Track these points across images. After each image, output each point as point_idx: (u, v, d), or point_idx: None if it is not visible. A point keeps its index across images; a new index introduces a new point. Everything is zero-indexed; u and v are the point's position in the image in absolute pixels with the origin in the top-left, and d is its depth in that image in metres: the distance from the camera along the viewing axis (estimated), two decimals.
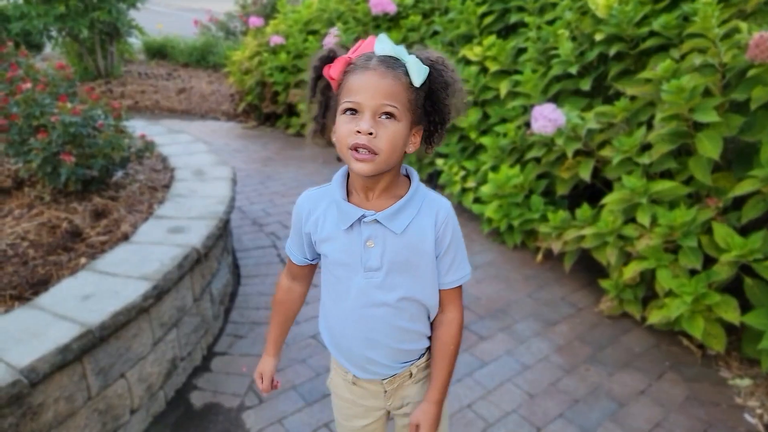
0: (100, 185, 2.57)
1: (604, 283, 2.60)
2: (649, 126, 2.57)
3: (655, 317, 2.35)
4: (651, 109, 2.58)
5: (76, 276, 1.84)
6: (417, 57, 0.95)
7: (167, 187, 2.74)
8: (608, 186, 2.83)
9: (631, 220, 2.54)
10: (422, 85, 0.95)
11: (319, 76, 1.01)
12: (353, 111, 0.93)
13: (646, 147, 2.54)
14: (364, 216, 1.00)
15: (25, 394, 1.38)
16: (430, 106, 0.98)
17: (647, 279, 2.47)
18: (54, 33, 6.56)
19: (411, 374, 1.15)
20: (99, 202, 2.43)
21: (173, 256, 1.99)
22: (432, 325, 1.13)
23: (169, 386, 1.98)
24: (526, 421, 1.97)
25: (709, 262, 2.30)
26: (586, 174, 2.72)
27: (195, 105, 6.39)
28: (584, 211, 2.71)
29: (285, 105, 5.59)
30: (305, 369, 2.19)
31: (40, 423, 1.44)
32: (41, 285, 1.80)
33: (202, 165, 3.05)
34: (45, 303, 1.67)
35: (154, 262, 1.94)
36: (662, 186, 2.41)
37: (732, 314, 2.15)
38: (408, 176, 1.06)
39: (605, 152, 2.67)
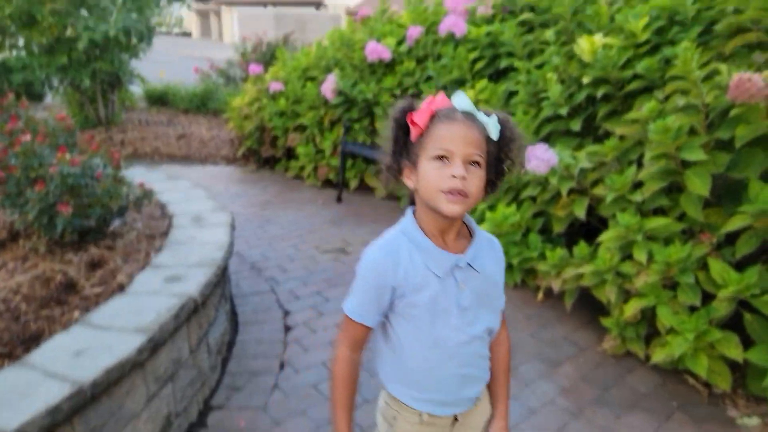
0: (97, 235, 2.58)
1: (606, 322, 2.58)
2: (639, 164, 2.60)
3: (658, 356, 2.32)
4: (640, 148, 2.62)
5: (68, 331, 1.83)
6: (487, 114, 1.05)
7: (165, 234, 2.75)
8: (604, 223, 2.84)
9: (628, 256, 2.54)
10: (497, 140, 1.06)
11: (399, 126, 1.07)
12: (444, 158, 1.00)
13: (638, 185, 2.57)
14: (458, 260, 1.08)
15: None
16: (496, 158, 1.08)
17: (648, 316, 2.45)
18: (56, 83, 6.72)
19: (479, 399, 1.23)
20: (95, 253, 2.44)
21: (169, 307, 1.98)
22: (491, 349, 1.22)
23: None
24: None
25: (708, 297, 2.28)
26: (581, 212, 2.73)
27: (194, 150, 6.48)
28: (581, 249, 2.71)
29: (284, 148, 5.67)
30: (306, 421, 2.14)
31: None
32: (33, 341, 1.78)
33: (201, 211, 3.07)
34: (35, 360, 1.65)
35: (150, 313, 1.92)
36: (656, 223, 2.42)
37: (734, 351, 2.12)
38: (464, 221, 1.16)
39: (598, 190, 2.69)
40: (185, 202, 3.22)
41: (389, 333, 1.14)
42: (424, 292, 1.07)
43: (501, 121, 1.05)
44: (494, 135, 1.04)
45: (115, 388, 1.66)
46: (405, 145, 1.07)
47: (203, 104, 8.44)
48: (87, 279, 2.25)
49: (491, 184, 1.09)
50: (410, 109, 1.06)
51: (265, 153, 5.84)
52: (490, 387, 1.23)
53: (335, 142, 5.07)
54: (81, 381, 1.53)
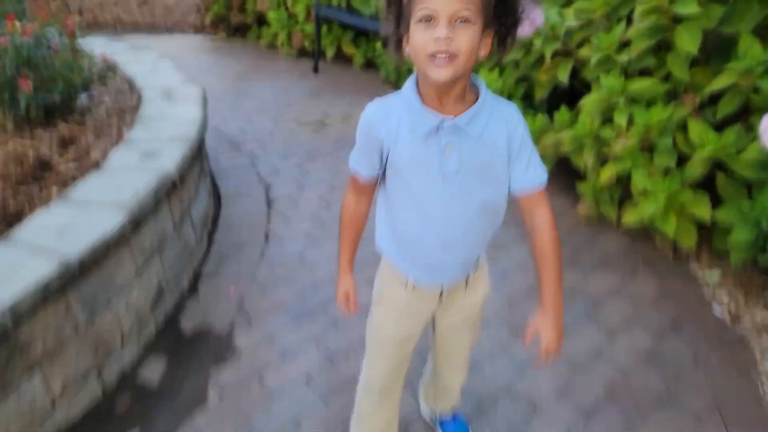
0: (64, 111, 2.47)
1: (581, 187, 2.63)
2: (629, 21, 2.47)
3: (630, 217, 2.40)
4: (630, 3, 2.46)
5: (49, 209, 1.82)
6: None
7: (136, 109, 2.64)
8: (588, 88, 2.77)
9: (608, 121, 2.52)
10: None
11: None
12: (428, 19, 0.92)
13: (625, 44, 2.46)
14: (443, 121, 1.01)
15: (11, 331, 1.41)
16: (500, 7, 0.98)
17: (623, 181, 2.50)
18: None
19: (467, 282, 1.23)
20: (65, 129, 2.35)
21: (147, 183, 1.96)
22: (530, 235, 1.14)
23: (157, 313, 2.03)
24: (505, 324, 2.07)
25: (683, 161, 2.32)
26: (564, 76, 2.65)
27: (159, 18, 6.02)
28: (562, 114, 2.68)
29: (254, 14, 5.28)
30: (292, 287, 2.25)
31: (30, 358, 1.49)
32: (15, 218, 1.78)
33: (171, 84, 2.93)
34: (20, 238, 1.66)
35: (128, 190, 1.91)
36: (640, 84, 2.37)
37: (704, 210, 2.20)
38: (474, 84, 1.07)
39: (584, 52, 2.59)
40: (153, 75, 3.05)
41: (385, 192, 1.16)
42: (404, 150, 1.05)
43: None
44: None
45: (103, 262, 1.70)
46: (400, 11, 0.99)
47: None
48: (60, 156, 2.19)
49: (500, 40, 1.01)
50: None
51: (234, 19, 5.45)
52: (539, 280, 1.13)
53: (308, 6, 4.71)
54: (68, 257, 1.56)
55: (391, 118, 1.06)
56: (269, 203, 2.82)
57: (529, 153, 1.08)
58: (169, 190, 2.07)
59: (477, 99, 1.05)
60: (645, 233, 2.52)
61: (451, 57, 0.92)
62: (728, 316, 2.11)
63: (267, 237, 2.55)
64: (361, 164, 1.15)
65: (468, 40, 0.93)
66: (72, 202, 1.86)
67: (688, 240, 2.28)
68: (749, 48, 2.06)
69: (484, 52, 0.99)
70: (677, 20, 2.27)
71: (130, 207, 1.81)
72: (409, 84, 1.06)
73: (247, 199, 2.85)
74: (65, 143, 2.28)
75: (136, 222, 1.84)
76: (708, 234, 2.40)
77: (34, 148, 2.21)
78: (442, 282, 1.20)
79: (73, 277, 1.57)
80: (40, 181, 2.01)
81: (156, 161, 2.12)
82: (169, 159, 2.14)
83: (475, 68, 1.26)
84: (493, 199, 1.11)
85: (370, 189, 1.20)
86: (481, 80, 1.07)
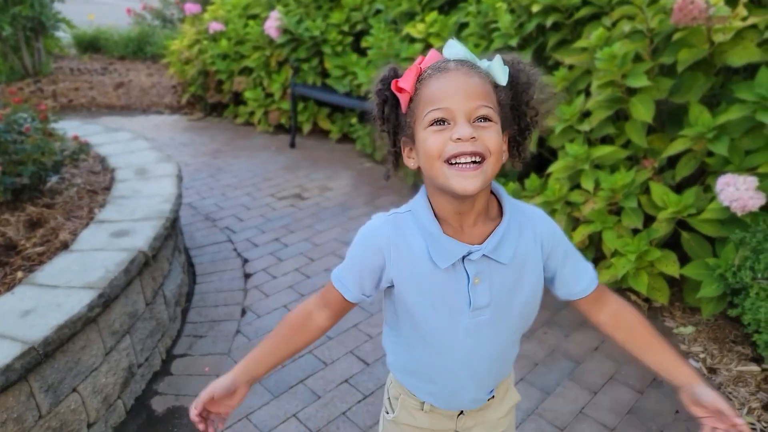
0: (33, 193, 2.45)
1: None
2: (587, 93, 2.64)
3: (604, 277, 2.44)
4: (588, 77, 2.64)
5: (13, 291, 1.76)
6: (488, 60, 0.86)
7: (108, 189, 2.64)
8: (554, 155, 2.90)
9: (576, 186, 2.62)
10: (507, 85, 0.85)
11: (384, 100, 0.87)
12: (441, 121, 0.80)
13: (586, 114, 2.61)
14: (470, 252, 0.86)
15: None
16: (514, 111, 0.87)
17: (595, 241, 2.56)
18: None
19: (493, 396, 1.06)
20: (33, 211, 2.32)
21: (119, 262, 1.92)
22: (608, 326, 1.00)
23: (127, 395, 1.93)
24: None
25: (649, 220, 2.40)
26: (532, 145, 2.77)
27: (135, 99, 6.14)
28: (532, 180, 2.77)
29: (231, 93, 5.44)
30: None
31: None
32: None
33: (145, 163, 2.94)
34: None
35: (98, 270, 1.87)
36: (603, 151, 2.49)
37: (672, 268, 2.26)
38: (493, 192, 0.92)
39: (549, 122, 2.72)
40: (127, 155, 3.08)
41: (394, 314, 0.98)
42: (416, 285, 0.89)
43: (508, 63, 0.85)
44: (502, 79, 0.83)
45: (69, 344, 1.63)
46: (398, 121, 0.88)
47: (140, 49, 7.93)
48: (28, 239, 2.15)
49: (515, 144, 0.90)
50: (394, 76, 0.87)
51: (211, 99, 5.60)
52: (651, 361, 0.94)
53: (284, 85, 4.90)
54: (32, 340, 1.49)
55: (402, 242, 0.89)
56: (245, 278, 2.78)
57: (575, 257, 0.96)
58: (141, 267, 2.03)
59: (499, 211, 0.91)
60: (620, 291, 2.55)
61: (478, 160, 0.79)
62: (705, 368, 2.11)
63: (243, 312, 2.50)
64: (346, 284, 0.95)
65: (495, 137, 0.79)
66: (37, 284, 1.80)
67: (662, 296, 2.31)
68: (699, 116, 2.20)
69: (504, 157, 0.87)
70: (631, 92, 2.43)
71: (99, 286, 1.77)
72: (420, 201, 0.90)
73: (223, 274, 2.81)
74: (33, 225, 2.24)
75: (106, 301, 1.78)
76: (680, 289, 2.45)
77: (0, 232, 2.16)
78: (464, 407, 1.04)
79: (37, 360, 1.50)
80: (5, 266, 1.95)
81: (128, 239, 2.09)
82: (142, 236, 2.11)
83: None
84: (528, 317, 0.98)
85: (340, 311, 0.99)
86: (503, 189, 0.92)
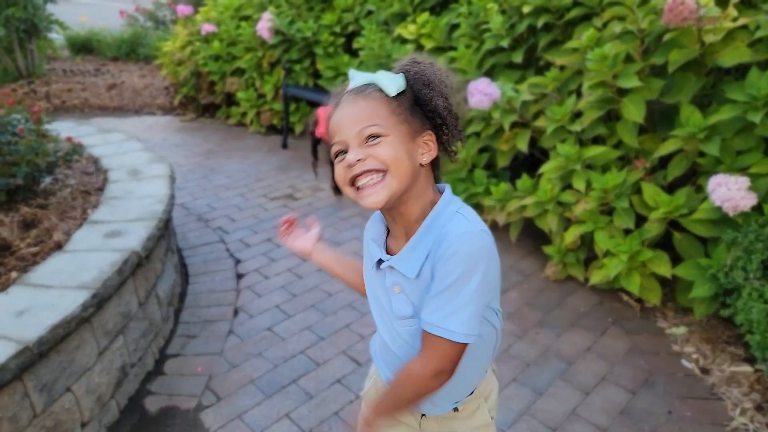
0: (27, 194, 2.44)
1: (548, 249, 2.70)
2: (579, 94, 2.66)
3: (596, 277, 2.46)
4: (579, 78, 2.66)
5: (7, 292, 1.75)
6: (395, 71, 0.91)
7: (101, 190, 2.63)
8: (546, 155, 2.92)
9: (568, 186, 2.64)
10: (404, 92, 0.89)
11: (317, 141, 1.00)
12: (342, 152, 0.88)
13: (577, 115, 2.63)
14: (381, 259, 0.94)
15: None
16: (426, 110, 0.91)
17: (587, 241, 2.58)
18: None
19: (456, 410, 1.06)
20: (27, 212, 2.31)
21: (112, 262, 1.92)
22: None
23: (120, 394, 1.93)
24: None
25: (641, 220, 2.42)
26: (523, 145, 2.79)
27: (128, 101, 6.11)
28: (524, 181, 2.79)
29: (223, 94, 5.43)
30: (262, 362, 2.18)
31: None
32: None
33: (138, 164, 2.93)
34: None
35: (91, 270, 1.86)
36: (594, 151, 2.51)
37: (664, 268, 2.28)
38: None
39: (540, 122, 2.74)
40: (120, 156, 3.07)
41: None
42: (368, 279, 1.03)
43: (404, 68, 0.90)
44: (390, 89, 0.87)
45: (62, 344, 1.63)
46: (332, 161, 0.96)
47: (133, 50, 7.89)
48: (22, 239, 2.14)
49: (440, 143, 0.93)
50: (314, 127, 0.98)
51: (203, 100, 5.58)
52: None
53: (276, 86, 4.89)
54: (26, 340, 1.49)
55: (367, 237, 1.02)
56: (238, 278, 2.77)
57: (444, 294, 0.85)
58: (134, 268, 2.03)
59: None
60: (612, 291, 2.57)
61: (377, 173, 0.85)
62: (697, 369, 2.13)
63: (236, 312, 2.49)
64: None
65: (387, 150, 0.84)
66: (31, 284, 1.80)
67: (653, 296, 2.33)
68: (690, 116, 2.22)
69: (426, 158, 0.90)
70: (622, 92, 2.45)
71: (93, 287, 1.76)
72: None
73: (216, 274, 2.80)
74: (27, 226, 2.23)
75: (99, 302, 1.78)
76: (672, 289, 2.47)
77: None
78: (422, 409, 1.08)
79: (31, 360, 1.50)
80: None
81: (121, 240, 2.09)
82: (135, 237, 2.11)
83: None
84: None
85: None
86: (447, 195, 0.92)
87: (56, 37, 7.52)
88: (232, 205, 3.63)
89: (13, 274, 1.89)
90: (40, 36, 6.70)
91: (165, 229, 2.43)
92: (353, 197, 0.89)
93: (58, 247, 2.07)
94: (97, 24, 8.74)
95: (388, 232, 0.99)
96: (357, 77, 0.91)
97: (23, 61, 6.45)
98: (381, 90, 0.88)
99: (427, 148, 0.90)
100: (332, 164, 0.93)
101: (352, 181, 0.87)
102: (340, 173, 0.88)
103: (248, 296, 2.62)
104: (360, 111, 0.86)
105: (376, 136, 0.85)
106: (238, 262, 2.92)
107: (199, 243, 3.13)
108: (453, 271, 0.84)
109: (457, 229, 0.86)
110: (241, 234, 3.22)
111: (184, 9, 5.75)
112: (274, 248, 3.05)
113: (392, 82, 0.88)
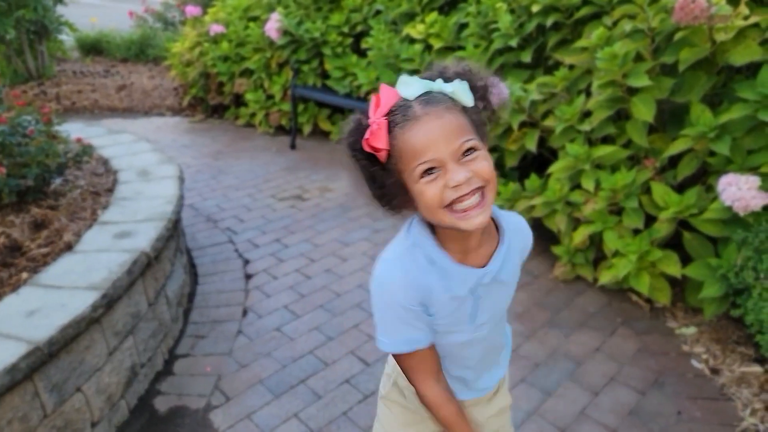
0: (38, 195, 2.46)
1: (557, 250, 2.69)
2: (588, 93, 2.64)
3: (605, 277, 2.44)
4: (589, 77, 2.65)
5: (18, 292, 1.77)
6: (444, 79, 0.85)
7: (111, 190, 2.65)
8: (555, 155, 2.90)
9: (577, 186, 2.62)
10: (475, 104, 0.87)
11: (362, 159, 0.88)
12: (431, 170, 0.80)
13: (586, 114, 2.61)
14: (481, 277, 0.90)
15: None
16: (485, 115, 0.90)
17: (596, 242, 2.56)
18: None
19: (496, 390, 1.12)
20: (37, 213, 2.33)
21: (122, 262, 1.94)
22: None
23: (130, 394, 1.94)
24: None
25: (650, 220, 2.40)
26: (531, 145, 2.77)
27: (137, 102, 6.15)
28: (533, 181, 2.78)
29: (232, 95, 5.45)
30: (271, 362, 2.18)
31: None
32: None
33: (147, 165, 2.95)
34: None
35: (101, 270, 1.88)
36: (603, 151, 2.49)
37: (674, 268, 2.26)
38: None
39: (549, 122, 2.73)
40: (129, 156, 3.09)
41: None
42: (442, 317, 0.93)
43: (464, 75, 0.86)
44: (469, 101, 0.84)
45: (72, 344, 1.64)
46: (383, 172, 0.86)
47: (142, 51, 7.94)
48: (32, 240, 2.16)
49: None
50: (360, 130, 0.86)
51: (212, 101, 5.61)
52: None
53: (285, 86, 4.91)
54: (36, 340, 1.50)
55: (420, 278, 0.89)
56: (247, 278, 2.78)
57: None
58: (143, 268, 2.04)
59: (494, 226, 0.94)
60: (621, 291, 2.55)
61: (479, 194, 0.81)
62: (707, 369, 2.11)
63: (245, 312, 2.50)
64: (419, 337, 0.93)
65: (486, 164, 0.81)
66: (42, 285, 1.82)
67: (663, 297, 2.31)
68: (701, 115, 2.20)
69: None
70: (632, 92, 2.43)
71: (103, 287, 1.78)
72: (423, 233, 0.90)
73: (225, 275, 2.81)
74: (38, 227, 2.25)
75: (109, 302, 1.79)
76: (682, 289, 2.45)
77: (5, 233, 2.17)
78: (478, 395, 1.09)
79: (42, 360, 1.51)
80: (10, 267, 1.96)
81: (130, 240, 2.10)
82: (144, 238, 2.12)
83: None
84: (505, 317, 1.07)
85: (438, 357, 0.99)
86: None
87: (66, 38, 7.59)
88: (241, 205, 3.64)
89: (24, 275, 1.91)
90: (50, 38, 6.76)
91: (174, 230, 2.45)
92: (449, 220, 0.81)
93: (69, 247, 2.09)
94: (107, 25, 8.81)
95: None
96: (415, 88, 0.83)
97: (33, 62, 6.52)
98: (452, 99, 0.83)
99: None
100: (374, 179, 0.87)
101: (451, 204, 0.80)
102: (437, 193, 0.80)
103: (257, 296, 2.62)
104: (452, 125, 0.80)
105: (473, 150, 0.81)
106: (246, 262, 2.93)
107: (208, 243, 3.14)
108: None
109: (521, 222, 1.01)
110: (250, 234, 3.23)
111: (192, 10, 5.78)
112: (282, 248, 3.06)
113: (467, 92, 0.84)
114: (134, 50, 7.96)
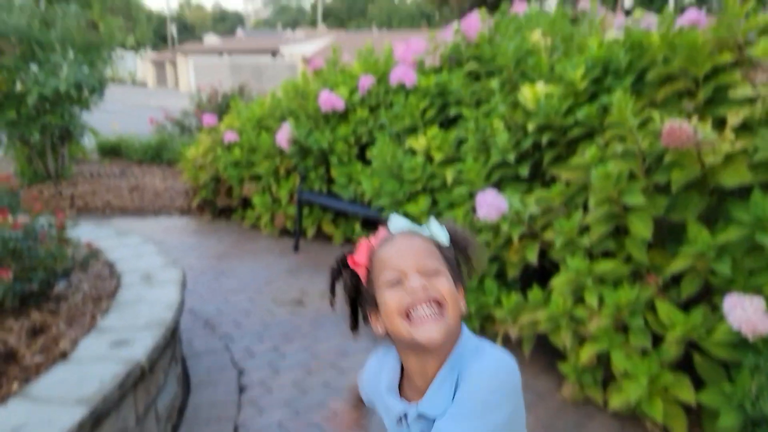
0: (40, 299, 2.46)
1: (564, 367, 2.60)
2: (586, 208, 2.70)
3: (615, 402, 2.34)
4: (585, 193, 2.72)
5: (6, 405, 1.71)
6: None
7: (113, 295, 2.64)
8: (556, 264, 2.91)
9: (580, 299, 2.60)
10: (449, 246, 0.94)
11: (337, 277, 0.97)
12: (396, 282, 0.87)
13: (585, 228, 2.65)
14: (406, 411, 0.91)
15: None
16: (457, 266, 0.95)
17: (603, 360, 2.49)
18: (4, 138, 6.51)
19: None
20: (37, 318, 2.32)
21: (115, 374, 1.88)
22: None
23: None
24: None
25: (659, 339, 2.34)
26: (532, 257, 2.79)
27: (148, 202, 6.34)
28: (535, 293, 2.76)
29: (240, 198, 5.62)
30: None
31: None
32: None
33: (151, 268, 2.98)
34: None
35: (93, 382, 1.82)
36: (605, 266, 2.50)
37: (687, 394, 2.17)
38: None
39: (548, 234, 2.77)
40: (135, 259, 3.12)
41: None
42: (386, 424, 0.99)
43: (448, 228, 0.95)
44: (444, 239, 0.93)
45: None
46: (361, 295, 0.95)
47: (157, 155, 8.32)
48: (28, 347, 2.13)
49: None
50: (345, 259, 0.96)
51: (220, 203, 5.78)
52: None
53: (291, 191, 5.07)
54: None
55: (370, 382, 1.04)
56: (240, 390, 2.68)
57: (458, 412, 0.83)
58: (136, 380, 1.98)
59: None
60: (634, 416, 2.43)
61: (437, 308, 0.84)
62: None
63: (235, 430, 2.38)
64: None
65: (447, 284, 0.86)
66: (31, 397, 1.76)
67: (679, 425, 2.20)
68: (698, 234, 2.23)
69: (464, 306, 0.91)
70: (628, 208, 2.49)
71: (92, 401, 1.72)
72: (395, 356, 0.97)
73: (218, 386, 2.72)
74: (35, 332, 2.23)
75: (97, 417, 1.72)
76: (698, 416, 2.32)
77: (2, 340, 2.14)
78: None
79: None
80: (2, 376, 1.92)
81: (127, 350, 2.06)
82: (141, 347, 2.08)
83: None
84: None
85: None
86: (464, 334, 0.91)
87: (88, 142, 7.99)
88: (241, 309, 3.61)
89: (14, 386, 1.85)
90: (73, 141, 7.12)
91: (172, 338, 2.41)
92: (405, 330, 0.85)
93: (63, 356, 2.05)
94: (128, 129, 9.31)
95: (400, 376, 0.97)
96: (401, 223, 0.94)
97: (53, 164, 6.81)
98: (432, 239, 0.92)
99: (461, 298, 0.92)
100: (354, 301, 0.97)
101: (407, 312, 0.85)
102: (396, 298, 0.85)
103: (249, 412, 2.51)
104: (421, 246, 0.89)
105: (435, 271, 0.87)
106: (241, 372, 2.85)
107: (203, 350, 3.07)
108: (471, 398, 0.83)
109: (482, 361, 0.86)
110: (247, 341, 3.17)
111: (209, 119, 6.13)
112: (279, 358, 2.98)
113: (444, 232, 0.93)
114: (150, 153, 8.34)
